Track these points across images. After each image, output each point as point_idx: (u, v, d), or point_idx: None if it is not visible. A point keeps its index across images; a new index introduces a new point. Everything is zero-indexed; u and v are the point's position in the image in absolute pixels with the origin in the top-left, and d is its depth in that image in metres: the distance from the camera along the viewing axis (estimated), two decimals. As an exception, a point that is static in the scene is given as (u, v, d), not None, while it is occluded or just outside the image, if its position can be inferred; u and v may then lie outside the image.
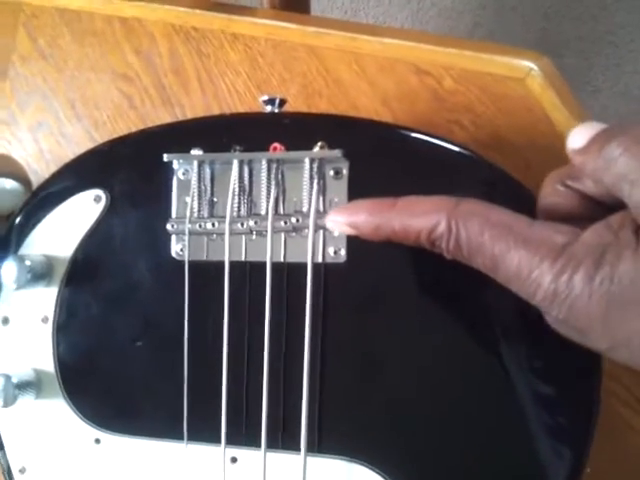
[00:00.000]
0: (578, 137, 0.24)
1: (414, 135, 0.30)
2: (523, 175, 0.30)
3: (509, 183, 0.30)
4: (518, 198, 0.29)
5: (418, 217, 0.25)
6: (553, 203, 0.26)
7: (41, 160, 0.44)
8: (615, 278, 0.21)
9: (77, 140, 0.43)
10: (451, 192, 0.26)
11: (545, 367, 0.29)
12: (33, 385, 0.33)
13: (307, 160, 0.30)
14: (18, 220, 0.35)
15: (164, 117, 0.41)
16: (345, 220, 0.27)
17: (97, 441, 0.33)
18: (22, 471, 0.34)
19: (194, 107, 0.41)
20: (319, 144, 0.30)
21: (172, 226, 0.32)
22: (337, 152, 0.30)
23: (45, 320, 0.34)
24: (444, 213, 0.25)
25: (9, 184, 0.38)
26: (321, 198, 0.31)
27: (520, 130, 0.35)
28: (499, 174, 0.30)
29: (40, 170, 0.43)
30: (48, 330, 0.34)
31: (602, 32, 1.05)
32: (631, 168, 0.22)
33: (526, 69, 0.35)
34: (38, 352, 0.34)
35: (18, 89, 0.44)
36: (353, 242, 0.30)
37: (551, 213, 0.26)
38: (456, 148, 0.30)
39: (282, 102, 0.33)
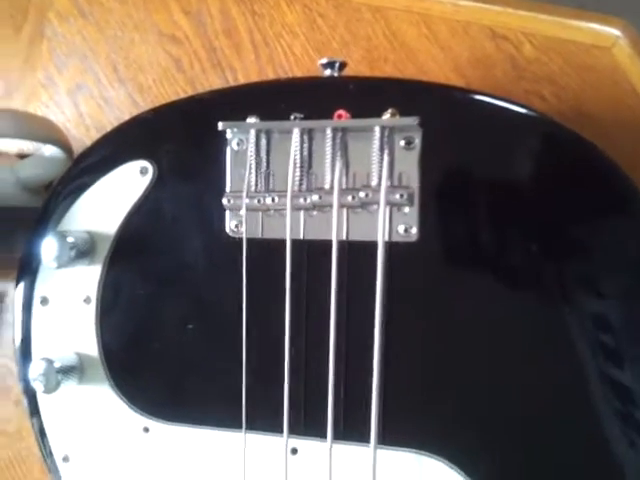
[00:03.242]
0: None
1: (494, 102, 0.28)
2: (608, 151, 0.28)
3: (596, 156, 0.27)
4: (605, 174, 0.26)
5: None
6: None
7: (81, 125, 0.41)
8: None
9: (119, 105, 0.40)
10: (533, 165, 0.25)
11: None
12: (76, 370, 0.31)
13: (377, 129, 0.28)
14: (58, 192, 0.32)
15: (214, 82, 0.38)
16: None
17: (146, 430, 0.31)
18: (65, 459, 0.32)
19: (247, 71, 0.38)
20: (390, 111, 0.28)
21: (228, 201, 0.29)
22: (412, 119, 0.27)
23: (88, 301, 0.31)
24: None
25: (48, 150, 0.36)
26: (390, 171, 0.28)
27: (606, 105, 0.32)
28: (585, 147, 0.27)
29: (80, 136, 0.41)
30: (91, 312, 0.31)
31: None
32: None
33: (613, 38, 0.32)
34: (80, 335, 0.32)
35: (56, 49, 0.41)
36: (427, 219, 0.28)
37: None
38: (540, 117, 0.27)
39: (342, 65, 0.31)
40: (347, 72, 0.31)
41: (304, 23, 0.37)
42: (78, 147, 0.33)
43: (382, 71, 0.36)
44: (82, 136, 0.40)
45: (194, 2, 0.39)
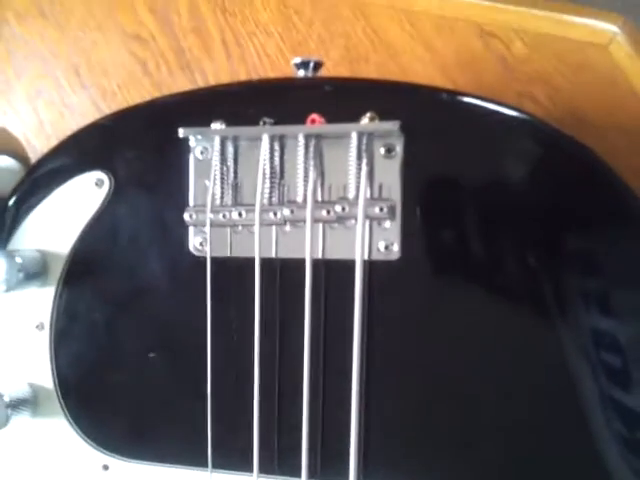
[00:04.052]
0: None
1: (483, 105, 0.25)
2: (606, 157, 0.25)
3: (593, 163, 0.25)
4: (601, 181, 0.24)
5: None
6: None
7: (41, 134, 0.39)
8: None
9: (82, 111, 0.37)
10: (526, 173, 0.24)
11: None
12: (29, 403, 0.29)
13: (354, 135, 0.25)
14: (8, 207, 0.30)
15: (183, 85, 0.35)
16: None
17: (105, 467, 0.29)
18: (20, 500, 0.30)
19: (217, 73, 0.35)
20: (368, 115, 0.25)
21: (190, 216, 0.27)
22: (393, 124, 0.24)
23: (40, 327, 0.29)
24: None
25: (4, 162, 0.33)
26: (369, 182, 0.25)
27: (602, 106, 0.30)
28: (582, 153, 0.25)
29: (40, 146, 0.38)
30: (45, 339, 0.29)
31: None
32: None
33: (610, 34, 0.31)
34: (33, 364, 0.29)
35: (14, 52, 0.39)
36: (409, 235, 0.25)
37: None
38: (533, 121, 0.25)
39: (318, 65, 0.28)
40: (325, 74, 0.29)
41: (279, 21, 0.35)
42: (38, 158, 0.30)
43: (363, 72, 0.33)
44: (42, 146, 0.37)
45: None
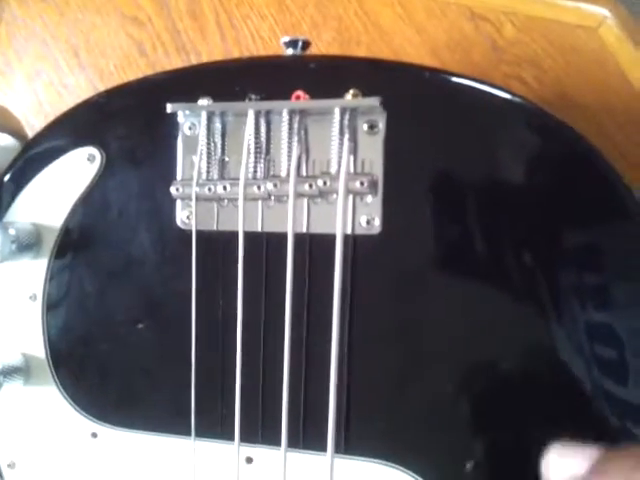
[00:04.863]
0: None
1: (468, 83, 0.25)
2: (595, 142, 0.25)
3: (575, 140, 0.25)
4: (582, 155, 0.24)
5: None
6: None
7: (40, 113, 0.39)
8: None
9: (80, 92, 0.38)
10: (511, 154, 0.23)
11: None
12: (21, 371, 0.29)
13: (337, 110, 0.25)
14: (5, 182, 0.30)
15: (178, 66, 0.35)
16: None
17: (94, 435, 0.29)
18: (11, 466, 0.30)
19: (212, 55, 0.36)
20: (351, 91, 0.25)
21: (177, 189, 0.27)
22: (374, 100, 0.25)
23: (33, 298, 0.29)
24: None
25: (4, 140, 0.34)
26: (352, 157, 0.26)
27: (591, 88, 0.30)
28: (566, 131, 0.25)
29: (39, 125, 0.38)
30: (37, 309, 0.29)
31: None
32: None
33: (600, 17, 0.31)
34: (26, 334, 0.30)
35: (15, 33, 0.39)
36: (390, 210, 0.26)
37: None
38: (521, 101, 0.25)
39: (306, 44, 0.29)
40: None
41: (273, 3, 0.35)
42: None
43: (354, 54, 0.33)
44: (41, 125, 0.37)
45: (158, -19, 0.36)
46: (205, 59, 0.36)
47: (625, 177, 0.24)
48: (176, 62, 0.36)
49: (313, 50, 0.30)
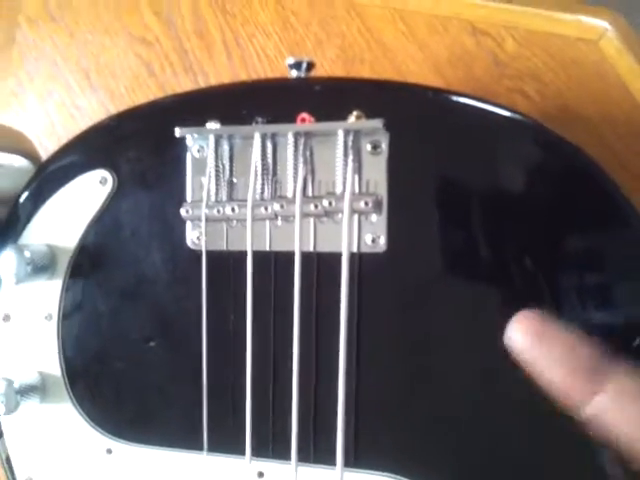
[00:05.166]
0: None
1: (470, 103, 0.26)
2: (597, 153, 0.26)
3: (582, 160, 0.25)
4: (591, 177, 0.25)
5: None
6: None
7: (53, 135, 0.40)
8: None
9: (92, 113, 0.39)
10: (513, 171, 0.24)
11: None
12: (37, 390, 0.30)
13: (341, 132, 0.26)
14: (19, 205, 0.31)
15: (186, 85, 0.36)
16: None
17: (109, 451, 0.30)
18: (29, 482, 0.31)
19: (219, 74, 0.36)
20: (354, 113, 0.26)
21: (187, 211, 0.28)
22: (377, 122, 0.25)
23: (49, 317, 0.30)
24: None
25: (17, 162, 0.35)
26: (356, 177, 0.26)
27: (593, 100, 0.31)
28: (571, 150, 0.25)
29: (52, 146, 0.39)
30: (52, 328, 0.30)
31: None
32: None
33: (600, 30, 0.31)
34: (42, 353, 0.30)
35: (27, 55, 0.40)
36: (395, 228, 0.26)
37: None
38: (522, 119, 0.25)
39: (310, 66, 0.29)
40: (322, 73, 0.30)
41: (277, 21, 0.36)
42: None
43: (358, 72, 0.34)
44: (54, 147, 0.38)
45: (165, 2, 0.37)
46: (212, 78, 0.37)
47: (625, 188, 0.25)
48: (184, 82, 0.37)
49: (318, 68, 0.31)
